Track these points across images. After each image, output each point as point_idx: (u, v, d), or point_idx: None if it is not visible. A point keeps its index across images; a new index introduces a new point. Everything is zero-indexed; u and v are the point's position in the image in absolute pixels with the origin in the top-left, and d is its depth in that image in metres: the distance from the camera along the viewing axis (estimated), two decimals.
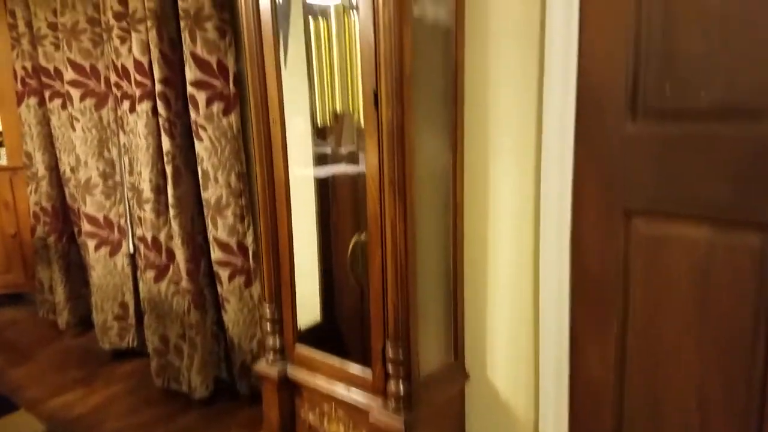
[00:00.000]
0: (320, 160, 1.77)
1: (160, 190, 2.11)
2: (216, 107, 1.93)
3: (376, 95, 1.26)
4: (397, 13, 1.19)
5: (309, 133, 1.68)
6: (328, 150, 1.77)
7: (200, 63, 1.88)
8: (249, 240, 2.06)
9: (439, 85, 1.44)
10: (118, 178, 2.45)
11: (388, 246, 1.32)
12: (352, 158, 1.71)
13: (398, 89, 1.22)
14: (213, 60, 1.89)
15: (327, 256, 1.87)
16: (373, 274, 1.38)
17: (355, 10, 1.38)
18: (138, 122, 2.08)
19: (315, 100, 1.51)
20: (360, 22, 1.25)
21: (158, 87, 1.96)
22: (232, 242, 2.04)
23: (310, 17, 1.48)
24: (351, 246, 1.69)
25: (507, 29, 1.35)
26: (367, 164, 1.33)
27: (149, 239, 2.19)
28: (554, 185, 1.33)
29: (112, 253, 2.50)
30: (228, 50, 1.90)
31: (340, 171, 1.77)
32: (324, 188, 1.82)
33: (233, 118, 1.95)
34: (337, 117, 1.54)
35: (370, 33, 1.24)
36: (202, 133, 1.95)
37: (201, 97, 1.91)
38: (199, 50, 1.88)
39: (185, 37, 1.88)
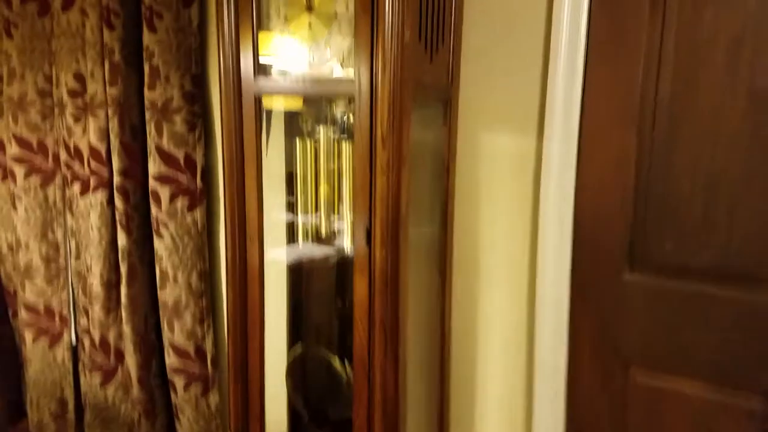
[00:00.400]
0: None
1: (111, 286, 1.93)
2: (180, 203, 1.79)
3: (369, 232, 1.17)
4: (396, 154, 1.11)
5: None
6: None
7: (166, 157, 1.75)
8: (208, 344, 1.90)
9: (428, 213, 1.36)
10: (62, 261, 2.24)
11: (376, 392, 1.21)
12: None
13: (394, 230, 1.13)
14: (180, 154, 1.76)
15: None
16: (358, 420, 1.26)
17: (347, 140, 1.31)
18: (91, 212, 1.90)
19: (297, 221, 1.40)
20: (355, 158, 1.16)
21: (116, 179, 1.80)
22: (190, 347, 1.87)
23: (297, 137, 1.38)
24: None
25: (501, 166, 1.30)
26: (356, 301, 1.22)
27: (96, 339, 1.99)
28: (549, 328, 1.27)
29: (52, 344, 2.26)
30: (197, 144, 1.78)
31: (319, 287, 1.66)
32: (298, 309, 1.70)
33: (198, 213, 1.82)
34: (320, 239, 1.43)
35: (366, 171, 1.15)
36: (163, 230, 1.80)
37: (164, 192, 1.77)
38: (165, 144, 1.74)
39: (150, 128, 1.74)
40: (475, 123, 1.32)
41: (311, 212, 1.41)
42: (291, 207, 1.47)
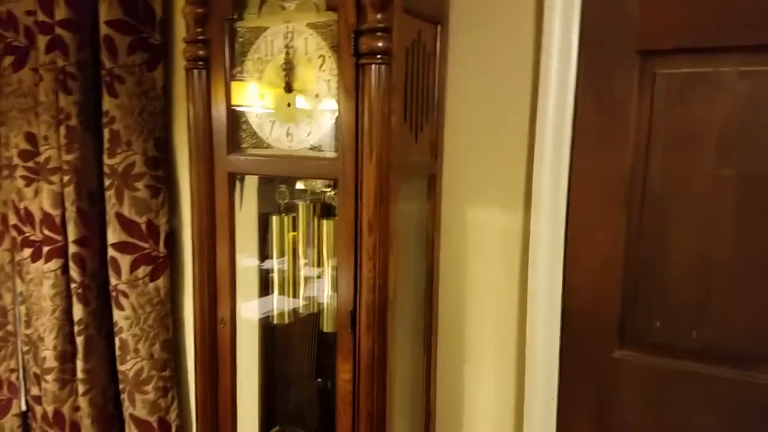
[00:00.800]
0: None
1: (66, 359, 1.80)
2: (142, 271, 1.69)
3: (353, 316, 1.12)
4: (383, 239, 1.07)
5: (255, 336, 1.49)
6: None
7: (127, 224, 1.66)
8: (173, 416, 1.79)
9: (412, 287, 1.32)
10: (10, 328, 2.09)
11: None
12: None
13: (381, 316, 1.09)
14: (142, 221, 1.67)
15: None
16: None
17: (328, 218, 1.26)
18: (44, 281, 1.78)
19: (273, 300, 1.33)
20: (338, 241, 1.12)
21: (72, 248, 1.69)
22: (153, 420, 1.76)
23: (272, 215, 1.33)
24: None
25: (487, 241, 1.28)
26: (338, 388, 1.16)
27: (50, 413, 1.85)
28: (539, 406, 1.24)
29: (1, 415, 2.09)
30: (161, 210, 1.69)
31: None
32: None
33: (162, 281, 1.72)
34: (297, 318, 1.37)
35: (350, 255, 1.10)
36: (123, 300, 1.69)
37: (125, 261, 1.67)
38: (126, 211, 1.65)
39: (110, 195, 1.65)
40: (460, 198, 1.30)
41: (288, 289, 1.35)
42: (266, 279, 1.40)
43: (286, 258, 1.33)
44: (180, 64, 1.66)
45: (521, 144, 1.21)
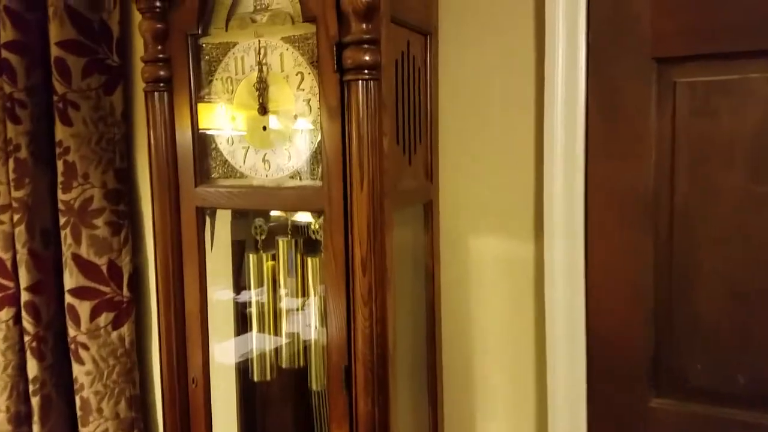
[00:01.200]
0: None
1: (21, 421, 1.60)
2: (104, 319, 1.51)
3: (348, 375, 0.96)
4: (379, 280, 0.93)
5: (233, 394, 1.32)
6: None
7: (85, 267, 1.48)
8: None
9: (410, 330, 1.18)
10: None
11: None
12: None
13: (381, 374, 0.94)
14: (102, 262, 1.49)
15: None
16: None
17: (314, 255, 1.12)
18: None
19: (252, 352, 1.18)
20: (327, 284, 0.97)
21: (24, 295, 1.51)
22: None
23: (248, 252, 1.17)
24: None
25: (494, 274, 1.14)
26: None
27: None
28: None
29: None
30: (123, 248, 1.52)
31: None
32: None
33: (126, 329, 1.54)
34: (281, 372, 1.21)
35: (341, 300, 0.95)
36: (83, 353, 1.51)
37: (84, 308, 1.50)
38: (84, 251, 1.48)
39: (66, 235, 1.47)
40: (460, 226, 1.17)
41: (268, 329, 1.20)
42: (242, 315, 1.25)
43: (265, 297, 1.17)
44: (140, 85, 1.51)
45: (527, 164, 1.09)
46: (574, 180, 1.02)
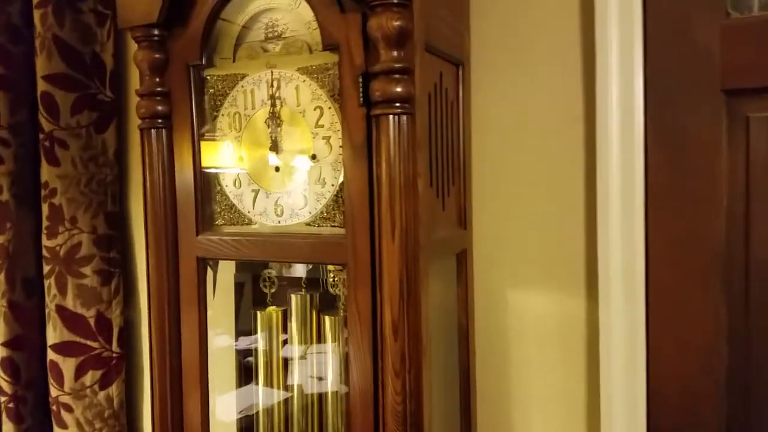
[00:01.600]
0: None
1: None
2: (90, 377, 1.36)
3: None
4: (414, 346, 0.79)
5: None
6: None
7: (70, 320, 1.34)
8: None
9: (440, 401, 1.03)
10: None
11: None
12: None
13: None
14: (90, 314, 1.35)
15: None
16: None
17: (332, 314, 0.98)
18: None
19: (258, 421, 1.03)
20: (352, 350, 0.83)
21: (2, 351, 1.36)
22: None
23: (254, 309, 1.04)
24: None
25: (538, 336, 1.00)
26: None
27: None
28: None
29: None
30: (113, 300, 1.38)
31: None
32: None
33: (115, 389, 1.39)
34: None
35: (368, 371, 0.82)
36: (66, 415, 1.35)
37: (68, 365, 1.34)
38: (70, 303, 1.34)
39: (50, 284, 1.34)
40: (497, 278, 1.03)
41: (277, 413, 1.05)
42: (245, 367, 1.11)
43: (274, 364, 1.03)
44: (135, 122, 1.39)
45: (576, 210, 0.96)
46: (633, 227, 0.89)
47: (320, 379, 0.99)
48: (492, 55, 1.01)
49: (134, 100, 1.37)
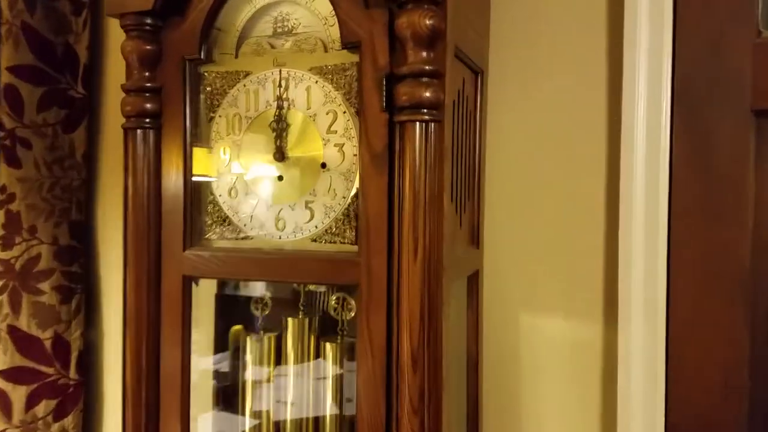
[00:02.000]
0: None
1: None
2: (43, 407, 1.21)
3: None
4: (433, 379, 0.71)
5: None
6: None
7: (23, 342, 1.19)
8: None
9: None
10: None
11: None
12: None
13: None
14: (46, 336, 1.21)
15: None
16: None
17: (337, 342, 0.89)
18: None
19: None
20: (359, 382, 0.74)
21: None
22: None
23: (247, 335, 0.94)
24: None
25: (551, 362, 0.94)
26: None
27: None
28: None
29: None
30: (73, 320, 1.24)
31: None
32: None
33: (71, 420, 1.24)
34: None
35: (380, 406, 0.73)
36: None
37: (18, 394, 1.19)
38: (24, 323, 1.19)
39: (2, 302, 1.18)
40: (508, 301, 0.97)
41: None
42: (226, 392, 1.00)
43: (265, 400, 0.92)
44: (109, 122, 1.28)
45: (595, 228, 0.91)
46: (657, 247, 0.84)
47: (318, 416, 0.89)
48: (510, 63, 0.96)
49: (109, 97, 1.27)
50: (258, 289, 0.99)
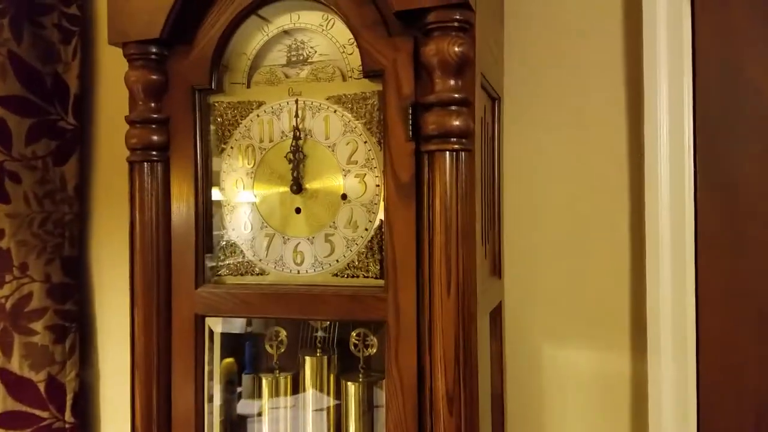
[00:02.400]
0: None
1: None
2: None
3: None
4: (469, 422, 0.68)
5: None
6: None
7: (16, 385, 1.13)
8: None
9: None
10: None
11: None
12: None
13: None
14: (40, 378, 1.14)
15: None
16: None
17: (359, 381, 0.85)
18: None
19: None
20: (387, 419, 0.70)
21: None
22: None
23: (259, 373, 0.89)
24: None
25: (577, 396, 0.91)
26: None
27: None
28: None
29: None
30: (68, 361, 1.18)
31: None
32: None
33: None
34: None
35: None
36: None
37: None
38: (16, 365, 1.13)
39: None
40: (531, 332, 0.95)
41: None
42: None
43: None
44: (102, 154, 1.23)
45: (620, 257, 0.89)
46: (684, 276, 0.83)
47: None
48: (526, 89, 0.95)
49: (102, 128, 1.22)
50: (268, 325, 0.95)
